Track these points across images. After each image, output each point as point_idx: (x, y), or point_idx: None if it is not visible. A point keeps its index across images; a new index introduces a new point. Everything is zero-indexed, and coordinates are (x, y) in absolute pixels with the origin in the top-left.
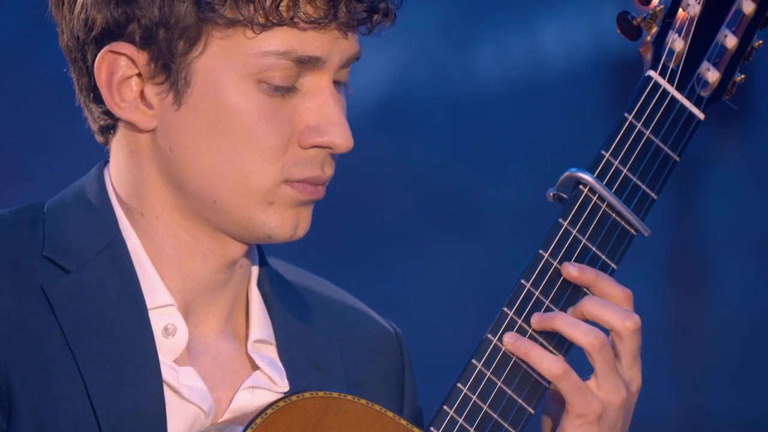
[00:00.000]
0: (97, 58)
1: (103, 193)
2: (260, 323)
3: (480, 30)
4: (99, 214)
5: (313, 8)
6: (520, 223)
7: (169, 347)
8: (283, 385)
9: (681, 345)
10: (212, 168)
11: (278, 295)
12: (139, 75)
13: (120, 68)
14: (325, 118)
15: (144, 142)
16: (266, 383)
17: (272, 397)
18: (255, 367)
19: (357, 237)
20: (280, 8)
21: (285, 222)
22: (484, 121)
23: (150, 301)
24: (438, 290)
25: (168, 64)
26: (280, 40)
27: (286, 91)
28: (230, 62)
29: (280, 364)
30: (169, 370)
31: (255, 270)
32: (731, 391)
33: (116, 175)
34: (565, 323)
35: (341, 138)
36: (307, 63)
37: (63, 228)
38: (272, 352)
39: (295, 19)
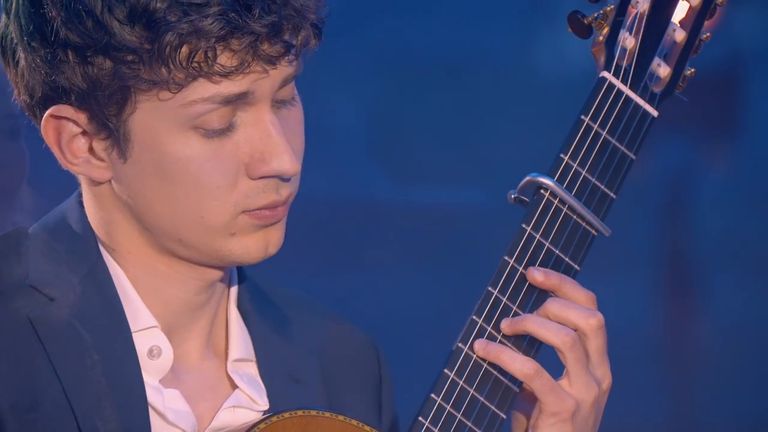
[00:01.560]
0: (42, 122)
1: (84, 220)
2: (239, 342)
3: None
4: (80, 240)
5: (228, 57)
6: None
7: (154, 368)
8: (263, 404)
9: (672, 356)
10: (169, 212)
11: (257, 310)
12: (84, 132)
13: (65, 128)
14: (268, 148)
15: (104, 190)
16: (247, 402)
17: (253, 415)
18: (236, 385)
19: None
20: (194, 65)
21: (251, 247)
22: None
23: (133, 324)
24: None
25: (106, 123)
26: (202, 88)
27: (225, 130)
28: (162, 116)
29: (260, 381)
30: (154, 393)
31: (233, 286)
32: (722, 402)
33: (87, 212)
34: (535, 324)
35: (287, 164)
36: (236, 101)
37: (47, 255)
38: (252, 368)
39: (211, 72)
